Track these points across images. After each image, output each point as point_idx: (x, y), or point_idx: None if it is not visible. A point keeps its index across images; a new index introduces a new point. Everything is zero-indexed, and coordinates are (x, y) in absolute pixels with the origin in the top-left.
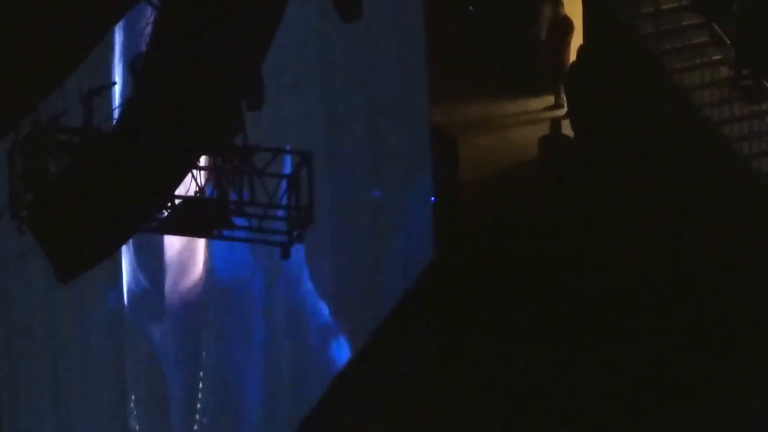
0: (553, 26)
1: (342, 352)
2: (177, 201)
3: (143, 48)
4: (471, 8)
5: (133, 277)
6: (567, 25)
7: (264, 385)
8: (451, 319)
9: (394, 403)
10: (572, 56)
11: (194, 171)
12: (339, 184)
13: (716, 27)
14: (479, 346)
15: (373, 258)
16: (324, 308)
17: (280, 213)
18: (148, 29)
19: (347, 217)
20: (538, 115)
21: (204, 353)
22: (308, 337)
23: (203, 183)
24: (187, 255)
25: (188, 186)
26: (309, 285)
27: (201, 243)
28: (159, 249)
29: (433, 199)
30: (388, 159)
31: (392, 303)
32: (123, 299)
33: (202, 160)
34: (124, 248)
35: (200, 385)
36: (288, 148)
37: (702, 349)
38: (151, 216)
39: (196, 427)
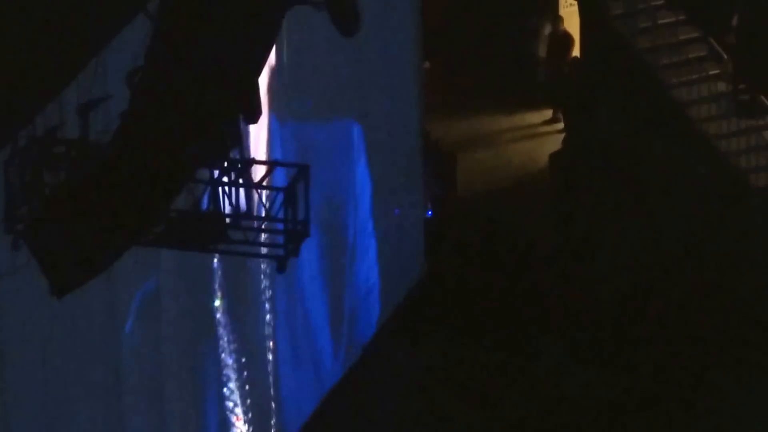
0: (553, 41)
1: (333, 365)
2: (173, 214)
3: (140, 61)
4: (427, 64)
5: (132, 285)
6: (568, 41)
7: (255, 400)
8: (441, 333)
9: (386, 417)
10: None
11: (191, 184)
12: (331, 198)
13: (713, 41)
14: (470, 359)
15: (364, 272)
16: (315, 322)
17: (277, 226)
18: (145, 42)
19: (338, 231)
20: (536, 129)
21: (200, 364)
22: (298, 351)
23: (199, 196)
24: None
25: (184, 199)
26: (299, 299)
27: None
28: (156, 256)
29: (430, 213)
30: (379, 173)
31: (383, 317)
32: (120, 308)
33: (199, 173)
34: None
35: (197, 397)
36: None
37: (701, 361)
38: (148, 229)
39: None
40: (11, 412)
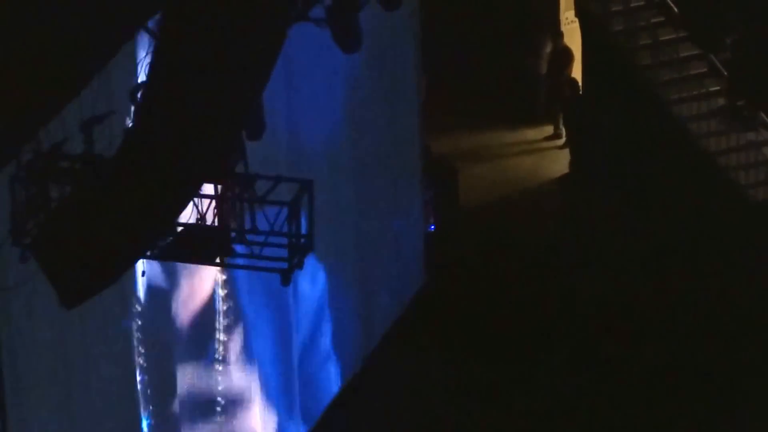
0: (553, 57)
1: (335, 377)
2: (179, 228)
3: (143, 77)
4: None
5: (143, 294)
6: (567, 56)
7: (258, 411)
8: (442, 345)
9: (387, 428)
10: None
11: (196, 198)
12: (331, 212)
13: (713, 58)
14: (470, 371)
15: (365, 284)
16: (317, 334)
17: (281, 240)
18: (148, 58)
19: (339, 244)
20: (537, 145)
21: (208, 373)
22: (301, 363)
23: (204, 210)
24: (194, 274)
25: (190, 213)
26: (302, 311)
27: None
28: (167, 266)
29: (432, 227)
30: (379, 187)
31: (384, 329)
32: (132, 317)
33: (204, 188)
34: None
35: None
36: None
37: (694, 381)
38: (154, 243)
39: None
40: (26, 420)
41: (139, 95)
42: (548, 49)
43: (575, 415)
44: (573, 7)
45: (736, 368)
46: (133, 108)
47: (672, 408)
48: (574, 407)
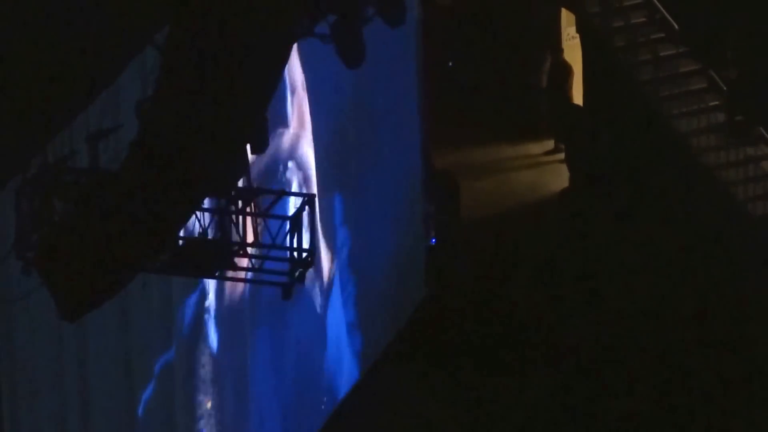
0: (553, 71)
1: (335, 389)
2: (181, 242)
3: (149, 91)
4: (450, 63)
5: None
6: (566, 70)
7: (258, 424)
8: (443, 357)
9: None
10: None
11: (198, 212)
12: (331, 225)
13: (713, 74)
14: (470, 384)
15: (365, 297)
16: (317, 346)
17: (283, 254)
18: (155, 73)
19: (340, 257)
20: (538, 159)
21: (200, 396)
22: (301, 376)
23: (207, 224)
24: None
25: (192, 227)
26: (302, 323)
27: None
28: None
29: (433, 240)
30: (380, 200)
31: (385, 342)
32: (132, 334)
33: (206, 202)
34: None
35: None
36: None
37: (693, 393)
38: (156, 256)
39: None
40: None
41: (145, 109)
42: (548, 62)
43: (575, 428)
44: (574, 23)
45: (736, 380)
46: (139, 122)
47: (671, 420)
48: (575, 421)
